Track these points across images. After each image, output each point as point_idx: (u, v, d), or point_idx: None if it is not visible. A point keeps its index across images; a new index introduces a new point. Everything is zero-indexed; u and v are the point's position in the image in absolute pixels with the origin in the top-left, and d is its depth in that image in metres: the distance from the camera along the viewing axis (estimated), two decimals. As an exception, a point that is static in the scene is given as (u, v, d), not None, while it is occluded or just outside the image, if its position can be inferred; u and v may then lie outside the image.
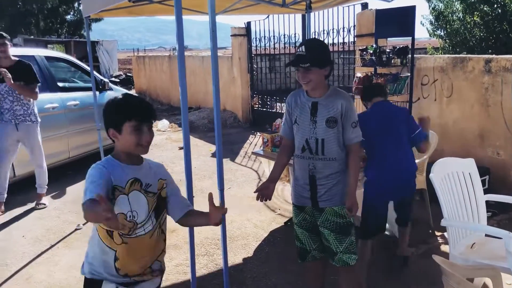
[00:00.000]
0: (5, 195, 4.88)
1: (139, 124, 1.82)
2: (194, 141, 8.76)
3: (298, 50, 2.50)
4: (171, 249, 4.01)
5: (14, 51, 6.07)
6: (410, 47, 5.20)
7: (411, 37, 5.16)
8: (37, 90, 4.84)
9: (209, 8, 2.56)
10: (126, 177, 1.85)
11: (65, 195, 5.57)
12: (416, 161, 4.10)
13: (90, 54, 5.14)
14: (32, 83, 4.78)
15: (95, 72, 6.71)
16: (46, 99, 5.80)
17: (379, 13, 5.52)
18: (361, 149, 2.86)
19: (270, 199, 2.73)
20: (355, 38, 6.74)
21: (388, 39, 6.04)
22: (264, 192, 2.67)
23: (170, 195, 2.04)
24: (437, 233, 4.12)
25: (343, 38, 7.12)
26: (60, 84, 6.42)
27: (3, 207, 4.87)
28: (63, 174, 6.22)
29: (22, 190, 5.10)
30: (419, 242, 3.91)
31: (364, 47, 5.44)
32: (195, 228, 4.51)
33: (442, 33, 11.78)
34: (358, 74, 5.44)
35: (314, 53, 2.46)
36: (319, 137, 2.52)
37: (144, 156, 1.99)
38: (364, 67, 5.49)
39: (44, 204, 5.09)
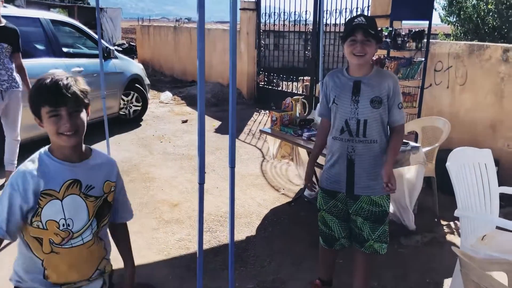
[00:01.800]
0: None
1: (54, 110, 1.53)
2: (196, 115, 8.65)
3: (356, 20, 2.34)
4: (173, 224, 3.97)
5: (19, 12, 5.94)
6: (426, 31, 5.07)
7: (428, 21, 5.03)
8: (21, 58, 4.49)
9: None
10: (62, 178, 1.59)
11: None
12: (426, 148, 4.05)
13: (99, 21, 4.98)
14: (16, 50, 4.43)
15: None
16: (50, 63, 5.66)
17: (396, -6, 5.35)
18: (403, 131, 2.72)
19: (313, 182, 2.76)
20: (369, 19, 6.58)
21: (402, 21, 5.89)
22: (311, 186, 2.75)
23: (115, 201, 1.81)
24: (443, 222, 4.08)
25: (356, 19, 6.95)
26: (65, 50, 6.29)
27: None
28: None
29: (20, 156, 4.96)
30: (424, 230, 3.86)
31: (379, 28, 5.30)
32: (191, 204, 4.51)
33: (454, 20, 11.56)
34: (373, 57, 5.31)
35: (374, 25, 2.36)
36: (361, 117, 2.40)
37: (96, 148, 1.76)
38: (378, 49, 5.35)
39: None
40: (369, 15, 6.54)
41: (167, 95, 10.18)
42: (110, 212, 1.77)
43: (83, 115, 1.62)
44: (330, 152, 2.57)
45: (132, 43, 20.92)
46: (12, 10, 5.70)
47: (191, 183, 4.90)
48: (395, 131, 2.53)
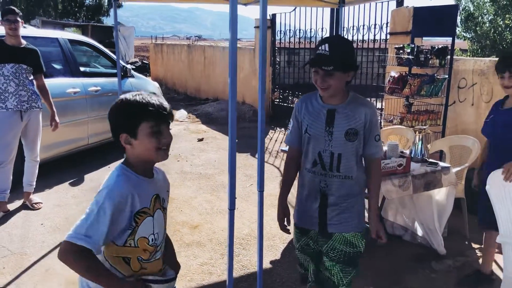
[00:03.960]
0: (9, 194, 4.44)
1: (157, 125, 1.57)
2: (212, 133, 8.60)
3: (320, 48, 2.05)
4: (194, 246, 3.86)
5: (38, 32, 5.96)
6: (449, 48, 4.97)
7: (451, 38, 4.94)
8: (43, 79, 4.50)
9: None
10: (149, 194, 1.63)
11: (83, 182, 5.43)
12: (456, 168, 3.91)
13: (117, 40, 4.94)
14: (39, 71, 4.43)
15: (113, 57, 6.57)
16: (68, 83, 5.67)
17: (418, 11, 5.28)
18: (380, 165, 2.46)
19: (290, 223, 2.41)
20: (388, 35, 6.50)
21: (423, 38, 5.81)
22: (285, 227, 2.39)
23: None
24: (475, 245, 3.92)
25: (374, 35, 6.89)
26: (82, 69, 6.29)
27: (7, 207, 4.45)
28: (81, 161, 6.10)
29: (40, 175, 4.91)
30: (456, 254, 3.71)
31: (401, 45, 5.21)
32: (219, 225, 4.41)
33: (470, 35, 11.47)
34: (393, 74, 5.22)
35: (339, 54, 2.04)
36: (335, 151, 2.14)
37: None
38: (399, 66, 5.26)
39: (41, 202, 4.64)
40: (388, 32, 6.46)
41: (182, 113, 10.16)
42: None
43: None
44: (302, 184, 2.31)
45: (145, 61, 21.08)
46: (31, 31, 5.71)
47: (210, 203, 4.80)
48: (373, 166, 2.27)
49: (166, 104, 1.61)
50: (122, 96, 1.60)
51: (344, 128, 2.12)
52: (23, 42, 4.35)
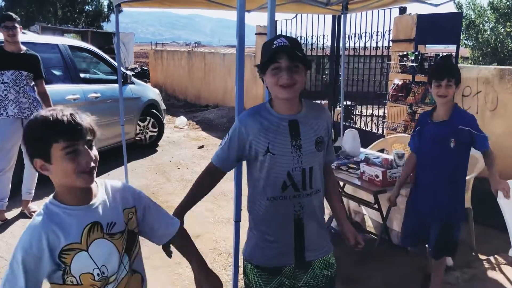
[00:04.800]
0: (7, 202, 4.37)
1: (71, 145, 1.35)
2: (213, 140, 8.54)
3: (276, 42, 1.75)
4: (196, 257, 3.77)
5: (37, 38, 5.91)
6: (453, 55, 4.93)
7: (455, 45, 4.90)
8: (44, 85, 4.42)
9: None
10: (79, 226, 1.40)
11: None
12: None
13: (118, 47, 4.91)
14: (39, 77, 4.36)
15: (114, 63, 6.52)
16: (68, 90, 5.61)
17: (421, 18, 5.25)
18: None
19: None
20: (391, 43, 6.47)
21: (427, 46, 5.77)
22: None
23: (147, 220, 1.63)
24: (482, 257, 3.85)
25: (376, 43, 6.85)
26: (82, 75, 6.24)
27: (5, 215, 4.38)
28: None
29: (39, 183, 4.82)
30: (463, 266, 3.63)
31: (404, 53, 5.17)
32: (220, 235, 4.34)
33: (471, 43, 11.46)
34: (396, 81, 5.17)
35: (299, 47, 1.81)
36: (306, 165, 1.83)
37: (102, 179, 1.56)
38: (403, 73, 5.22)
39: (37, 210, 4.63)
40: (391, 39, 6.43)
41: (182, 120, 10.10)
42: (137, 240, 1.59)
43: (95, 148, 1.44)
44: (264, 218, 1.90)
45: (145, 67, 21.05)
46: (30, 37, 5.66)
47: (211, 212, 4.73)
48: (331, 171, 2.11)
49: (80, 119, 1.37)
50: (34, 114, 1.41)
51: (312, 138, 1.86)
52: (23, 48, 4.29)
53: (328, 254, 1.99)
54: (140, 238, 1.64)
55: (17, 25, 4.17)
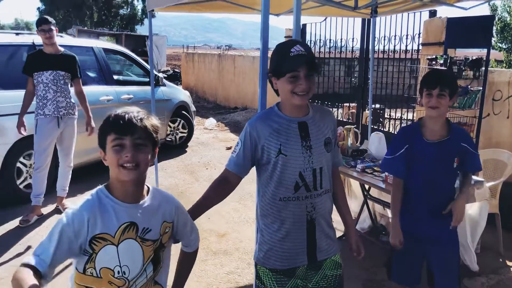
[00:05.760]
0: (43, 198, 4.57)
1: (119, 139, 1.45)
2: (241, 142, 8.63)
3: (293, 50, 1.79)
4: (221, 255, 3.87)
5: (73, 41, 6.15)
6: (484, 59, 4.86)
7: (486, 49, 4.84)
8: (81, 85, 4.63)
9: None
10: (118, 221, 1.47)
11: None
12: (491, 183, 3.81)
13: (151, 49, 5.06)
14: (76, 76, 4.55)
15: (146, 65, 6.71)
16: (102, 91, 5.82)
17: (451, 22, 5.19)
18: None
19: None
20: (420, 46, 6.41)
21: (457, 49, 5.70)
22: None
23: (179, 232, 1.70)
24: (509, 263, 3.79)
25: (406, 46, 6.80)
26: (115, 77, 6.45)
27: (41, 210, 4.60)
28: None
29: (72, 181, 5.03)
30: (489, 271, 3.60)
31: (434, 56, 5.13)
32: (246, 235, 4.42)
33: (506, 46, 11.18)
34: (425, 85, 5.13)
35: (313, 55, 1.88)
36: (317, 166, 1.90)
37: (155, 187, 1.62)
38: (432, 77, 5.17)
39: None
40: (420, 42, 6.37)
41: (211, 121, 10.26)
42: (166, 255, 1.64)
43: (148, 151, 1.51)
44: (277, 219, 1.93)
45: (176, 70, 21.43)
46: (67, 40, 5.90)
47: (237, 212, 4.81)
48: (338, 174, 2.14)
49: (140, 119, 1.48)
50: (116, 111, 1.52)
51: (321, 139, 1.93)
52: (61, 49, 4.50)
53: (336, 254, 2.04)
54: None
55: (53, 27, 4.36)
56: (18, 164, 4.80)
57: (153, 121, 1.53)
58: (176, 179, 6.02)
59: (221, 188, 1.99)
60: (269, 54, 2.45)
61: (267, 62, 2.24)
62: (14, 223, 4.40)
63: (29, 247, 3.97)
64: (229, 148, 7.96)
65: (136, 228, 1.49)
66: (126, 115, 1.46)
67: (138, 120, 1.47)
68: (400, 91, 7.22)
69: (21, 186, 4.86)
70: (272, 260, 1.95)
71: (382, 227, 4.33)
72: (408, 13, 6.40)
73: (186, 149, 7.78)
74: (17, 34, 5.49)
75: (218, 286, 3.41)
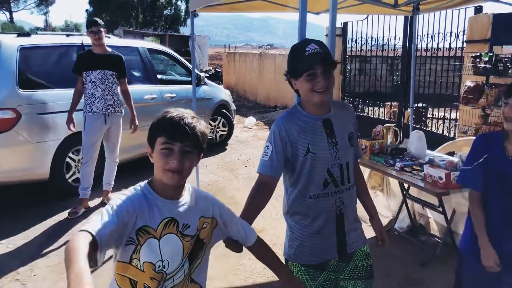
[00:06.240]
0: (90, 192, 4.77)
1: (169, 143, 1.46)
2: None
3: (308, 49, 1.82)
4: (258, 250, 3.94)
5: (119, 42, 6.40)
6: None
7: (534, 45, 4.68)
8: (126, 84, 4.83)
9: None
10: (160, 216, 1.50)
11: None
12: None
13: (193, 50, 5.21)
14: (122, 76, 4.75)
15: (189, 65, 6.88)
16: (146, 90, 6.03)
17: (498, 18, 5.06)
18: None
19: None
20: (464, 43, 6.26)
21: (503, 46, 5.53)
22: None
23: (228, 230, 1.71)
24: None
25: (450, 43, 6.65)
26: (159, 76, 6.65)
27: (88, 203, 4.82)
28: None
29: (117, 176, 5.23)
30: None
31: (478, 54, 5.00)
32: (283, 231, 4.46)
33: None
34: (468, 83, 5.02)
35: (329, 52, 1.89)
36: (343, 161, 1.95)
37: (191, 185, 1.64)
38: (476, 75, 5.05)
39: None
40: (465, 40, 6.22)
41: (251, 120, 10.37)
42: (203, 251, 1.63)
43: (194, 158, 1.54)
44: (307, 216, 1.98)
45: (218, 69, 21.71)
46: (114, 41, 6.14)
47: (275, 209, 4.86)
48: (358, 167, 2.17)
49: (193, 127, 1.48)
50: (166, 111, 1.54)
51: (345, 135, 1.97)
52: (109, 49, 4.71)
53: (365, 245, 2.08)
54: None
55: (101, 29, 4.58)
56: (67, 159, 5.05)
57: (203, 128, 1.55)
58: (216, 176, 6.16)
59: (261, 194, 1.99)
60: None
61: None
62: (64, 214, 4.64)
63: (76, 237, 4.19)
64: (268, 146, 8.03)
65: (177, 223, 1.52)
66: (181, 121, 1.47)
67: (191, 128, 1.48)
68: (444, 90, 7.07)
69: (70, 180, 5.12)
70: (304, 256, 2.00)
71: (421, 226, 4.28)
72: (453, 10, 6.27)
73: (226, 147, 7.92)
74: (67, 35, 5.78)
75: (255, 280, 3.49)
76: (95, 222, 1.36)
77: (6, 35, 5.12)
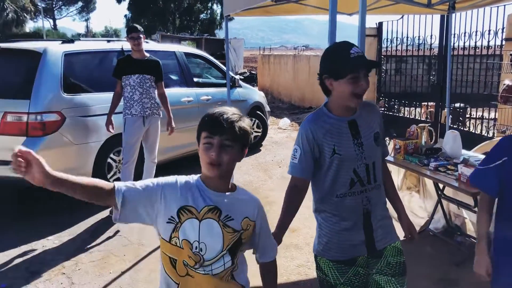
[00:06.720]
0: None
1: (209, 136, 1.55)
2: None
3: (352, 52, 1.86)
4: (292, 249, 4.02)
5: (158, 46, 6.61)
6: None
7: None
8: (163, 87, 4.96)
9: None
10: (204, 202, 1.58)
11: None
12: None
13: (228, 54, 5.35)
14: (159, 80, 4.90)
15: (224, 68, 7.02)
16: (183, 93, 6.21)
17: (538, 14, 4.92)
18: None
19: None
20: (503, 41, 6.11)
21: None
22: None
23: (259, 241, 1.73)
24: None
25: (488, 42, 6.50)
26: (195, 79, 6.82)
27: None
28: (192, 164, 6.60)
29: (156, 176, 5.39)
30: None
31: (517, 51, 4.90)
32: (310, 230, 4.51)
33: None
34: (507, 82, 4.93)
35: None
36: (369, 161, 1.99)
37: (239, 186, 1.71)
38: (515, 73, 4.95)
39: None
40: (503, 37, 6.08)
41: (285, 121, 10.43)
42: (241, 251, 1.68)
43: (234, 152, 1.59)
44: (334, 214, 2.03)
45: (253, 72, 21.88)
46: (152, 46, 6.35)
47: (308, 209, 4.85)
48: (386, 165, 2.21)
49: (231, 122, 1.55)
50: (217, 109, 1.62)
51: (371, 135, 2.01)
52: (147, 55, 4.89)
53: (397, 241, 2.10)
54: None
55: (141, 35, 4.77)
56: (109, 160, 5.27)
57: (244, 124, 1.61)
58: (251, 176, 6.26)
59: (296, 196, 2.08)
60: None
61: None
62: (105, 213, 4.85)
63: (117, 232, 4.42)
64: (302, 147, 8.07)
65: (219, 212, 1.58)
66: (220, 117, 1.55)
67: (229, 122, 1.55)
68: (481, 89, 6.92)
69: (111, 180, 5.33)
70: (332, 252, 2.05)
71: (456, 227, 4.23)
72: (491, 7, 6.13)
73: (260, 148, 8.01)
74: (108, 41, 6.03)
75: (288, 278, 3.56)
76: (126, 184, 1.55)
77: (52, 42, 5.40)
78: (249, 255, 1.75)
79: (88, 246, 4.13)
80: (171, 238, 1.56)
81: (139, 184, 1.57)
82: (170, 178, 1.62)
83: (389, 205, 2.18)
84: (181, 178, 1.62)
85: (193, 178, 1.64)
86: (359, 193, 1.99)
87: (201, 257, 1.54)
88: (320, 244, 2.10)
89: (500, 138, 2.18)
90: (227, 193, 1.63)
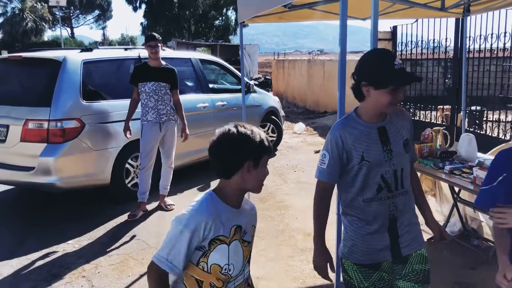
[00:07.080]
0: (148, 196, 5.03)
1: (267, 159, 1.65)
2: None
3: (396, 64, 1.89)
4: (307, 252, 4.04)
5: (174, 54, 6.72)
6: None
7: None
8: (178, 95, 5.05)
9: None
10: (231, 223, 1.62)
11: (210, 188, 5.93)
12: None
13: (242, 60, 5.39)
14: (174, 87, 4.98)
15: (238, 74, 7.09)
16: (199, 99, 6.30)
17: (553, 16, 4.89)
18: None
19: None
20: (520, 43, 6.07)
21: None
22: (324, 274, 2.13)
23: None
24: None
25: (504, 44, 6.46)
26: (211, 86, 6.91)
27: (146, 207, 5.07)
28: (208, 169, 6.67)
29: (172, 181, 5.46)
30: None
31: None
32: (331, 235, 4.51)
33: None
34: (523, 84, 4.88)
35: None
36: (398, 167, 2.00)
37: None
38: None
39: (173, 204, 5.21)
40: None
41: (300, 126, 10.46)
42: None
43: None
44: (360, 218, 2.05)
45: (268, 77, 21.96)
46: (168, 53, 6.46)
47: (331, 212, 4.95)
48: (414, 170, 2.23)
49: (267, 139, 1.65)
50: (247, 128, 1.60)
51: (400, 142, 2.02)
52: (163, 63, 4.99)
53: (423, 248, 2.10)
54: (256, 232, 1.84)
55: (159, 44, 4.88)
56: (127, 165, 5.37)
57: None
58: (266, 181, 6.11)
59: (326, 200, 2.10)
60: (348, 57, 2.58)
61: (345, 67, 2.38)
62: (124, 217, 4.95)
63: (133, 236, 4.50)
64: (317, 152, 8.09)
65: (241, 230, 1.65)
66: (267, 139, 1.64)
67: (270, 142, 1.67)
68: (498, 92, 6.86)
69: (129, 185, 5.43)
70: (356, 255, 2.06)
71: (473, 230, 4.21)
72: (506, 10, 6.10)
73: (275, 153, 8.06)
74: (125, 49, 6.16)
75: (304, 280, 3.59)
76: (168, 255, 1.56)
77: (71, 51, 5.54)
78: (252, 257, 1.81)
79: (107, 250, 4.22)
80: (199, 263, 1.60)
81: (181, 248, 1.55)
82: (193, 220, 1.55)
83: (416, 210, 2.20)
84: (201, 211, 1.58)
85: (209, 200, 1.62)
86: (385, 198, 2.01)
87: (229, 276, 1.62)
88: (346, 247, 2.12)
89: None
90: (240, 208, 1.68)
